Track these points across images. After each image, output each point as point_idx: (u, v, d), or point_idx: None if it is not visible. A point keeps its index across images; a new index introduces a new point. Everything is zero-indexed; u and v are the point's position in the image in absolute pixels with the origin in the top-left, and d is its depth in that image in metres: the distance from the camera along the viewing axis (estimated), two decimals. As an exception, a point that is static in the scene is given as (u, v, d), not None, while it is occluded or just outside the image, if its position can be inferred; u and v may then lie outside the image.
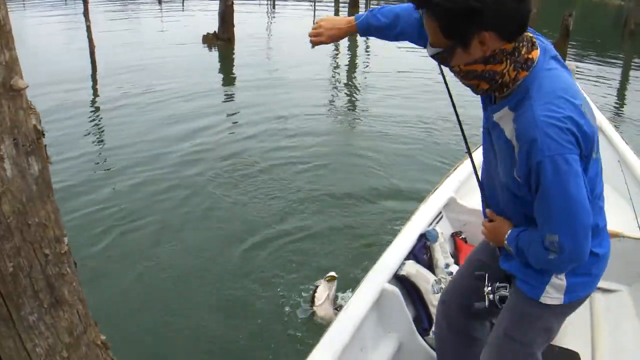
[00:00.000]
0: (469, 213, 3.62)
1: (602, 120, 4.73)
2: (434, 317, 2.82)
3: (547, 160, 1.58)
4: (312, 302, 3.80)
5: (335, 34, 2.34)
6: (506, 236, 1.89)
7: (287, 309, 4.00)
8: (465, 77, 1.75)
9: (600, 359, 3.01)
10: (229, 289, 4.29)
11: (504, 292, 2.06)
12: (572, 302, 1.92)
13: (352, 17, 2.31)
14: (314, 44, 2.40)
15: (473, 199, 3.71)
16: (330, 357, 2.34)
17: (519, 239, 1.84)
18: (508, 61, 1.67)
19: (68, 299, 1.43)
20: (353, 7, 21.65)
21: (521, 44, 1.67)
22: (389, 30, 2.24)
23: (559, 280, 1.86)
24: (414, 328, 2.89)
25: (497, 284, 2.07)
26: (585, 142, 1.62)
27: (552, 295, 1.89)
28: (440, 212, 3.60)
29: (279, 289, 4.23)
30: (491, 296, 2.07)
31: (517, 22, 1.63)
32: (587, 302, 3.40)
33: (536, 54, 1.69)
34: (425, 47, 1.86)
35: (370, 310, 2.72)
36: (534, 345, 2.03)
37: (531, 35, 1.73)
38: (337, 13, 23.13)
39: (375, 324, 2.84)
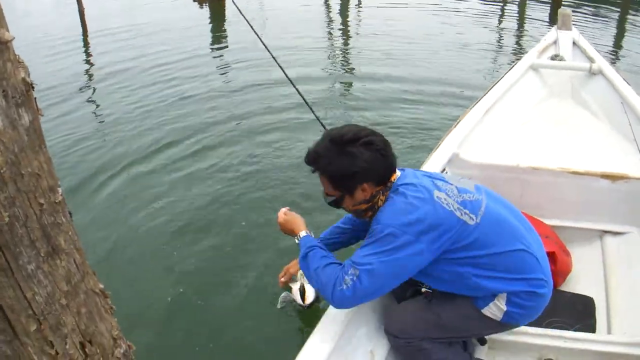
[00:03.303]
0: (473, 167, 3.62)
1: (602, 64, 4.76)
2: None
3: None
4: (303, 300, 3.37)
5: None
6: (301, 236, 2.43)
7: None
8: (355, 214, 2.37)
9: (614, 302, 3.05)
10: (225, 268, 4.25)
11: None
12: (507, 323, 2.35)
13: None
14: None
15: (477, 153, 3.71)
16: (334, 330, 2.39)
17: (313, 250, 2.33)
18: (381, 195, 2.25)
19: (64, 248, 1.46)
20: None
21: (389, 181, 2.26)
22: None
23: (501, 305, 2.27)
24: None
25: None
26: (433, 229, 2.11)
27: (493, 311, 2.30)
28: (445, 169, 3.59)
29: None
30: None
31: (385, 173, 2.23)
32: (598, 247, 3.51)
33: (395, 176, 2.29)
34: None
35: None
36: (448, 330, 2.43)
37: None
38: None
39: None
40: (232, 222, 4.65)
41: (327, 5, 14.84)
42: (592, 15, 13.22)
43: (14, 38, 1.23)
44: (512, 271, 2.22)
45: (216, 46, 10.44)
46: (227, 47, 10.37)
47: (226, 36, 11.60)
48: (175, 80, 8.24)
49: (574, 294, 3.10)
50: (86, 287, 1.58)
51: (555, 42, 5.20)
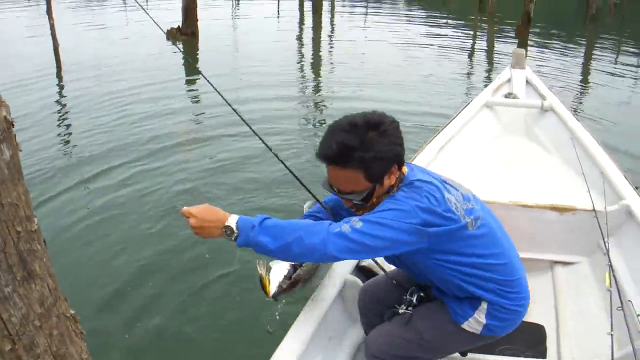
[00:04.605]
0: None
1: (553, 101, 4.98)
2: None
3: None
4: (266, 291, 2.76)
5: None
6: (234, 219, 1.96)
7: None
8: (376, 204, 2.12)
9: (564, 330, 3.16)
10: (196, 279, 4.40)
11: (421, 295, 2.46)
12: (486, 335, 2.35)
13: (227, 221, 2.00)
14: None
15: None
16: (298, 347, 2.41)
17: (269, 218, 1.99)
18: (395, 187, 2.14)
19: (39, 273, 1.57)
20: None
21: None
22: None
23: (480, 319, 2.28)
24: None
25: (418, 293, 2.46)
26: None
27: (472, 325, 2.31)
28: None
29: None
30: (413, 298, 2.46)
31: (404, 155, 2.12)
32: (549, 277, 3.58)
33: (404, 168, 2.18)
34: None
35: (335, 301, 2.79)
36: (431, 349, 2.43)
37: None
38: (302, 4, 23.15)
39: (340, 314, 2.92)
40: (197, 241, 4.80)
41: (300, 39, 15.25)
42: (557, 56, 13.70)
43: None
44: (496, 282, 2.25)
45: (187, 84, 10.58)
46: (196, 88, 10.51)
47: (198, 73, 11.67)
48: (144, 110, 8.52)
49: (525, 322, 3.17)
50: (58, 311, 1.69)
51: (509, 81, 5.42)
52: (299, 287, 2.62)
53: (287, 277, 2.54)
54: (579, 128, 4.52)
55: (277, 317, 3.56)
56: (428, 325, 2.38)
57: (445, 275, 2.20)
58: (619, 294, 2.30)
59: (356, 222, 1.95)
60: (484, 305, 2.26)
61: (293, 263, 2.53)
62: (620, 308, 2.20)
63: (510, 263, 2.28)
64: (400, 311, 2.43)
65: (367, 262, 3.12)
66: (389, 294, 2.59)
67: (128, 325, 3.88)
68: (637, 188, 3.74)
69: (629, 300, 2.70)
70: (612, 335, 2.13)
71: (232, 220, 1.94)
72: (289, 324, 2.53)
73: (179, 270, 4.49)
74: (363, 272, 3.14)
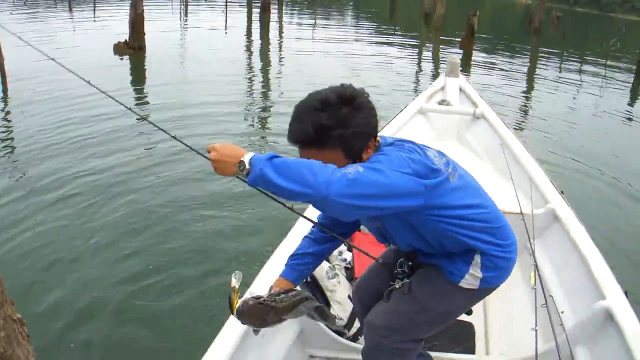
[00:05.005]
0: None
1: (484, 108, 5.21)
2: (330, 301, 3.15)
3: None
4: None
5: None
6: (249, 156, 1.81)
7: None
8: None
9: (492, 327, 3.32)
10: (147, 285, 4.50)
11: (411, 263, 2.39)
12: (484, 288, 2.31)
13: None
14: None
15: None
16: (231, 345, 2.48)
17: (280, 157, 1.80)
18: (375, 150, 2.06)
19: (-15, 277, 1.69)
20: (264, 13, 21.91)
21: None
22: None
23: (477, 274, 2.23)
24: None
25: (407, 263, 2.39)
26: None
27: (469, 281, 2.25)
28: None
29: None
30: (404, 268, 2.40)
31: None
32: None
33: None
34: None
35: None
36: (435, 316, 2.40)
37: None
38: (250, 17, 23.25)
39: None
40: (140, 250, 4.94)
41: (248, 51, 15.45)
42: (501, 67, 14.14)
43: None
44: (487, 231, 2.20)
45: (136, 96, 10.55)
46: (143, 95, 10.52)
47: (144, 87, 11.72)
48: (87, 120, 8.62)
49: (456, 320, 3.36)
50: (5, 313, 1.80)
51: (443, 88, 5.62)
52: (271, 322, 2.27)
53: (256, 297, 2.23)
54: (509, 135, 4.73)
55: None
56: (427, 293, 2.33)
57: (441, 229, 2.12)
58: (544, 292, 2.45)
59: (357, 166, 1.82)
60: (477, 259, 2.22)
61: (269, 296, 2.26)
62: (545, 305, 2.36)
63: (493, 211, 2.25)
64: (397, 286, 2.37)
65: None
66: (382, 280, 2.50)
67: (72, 331, 3.95)
68: (562, 192, 3.93)
69: (550, 296, 2.83)
70: (536, 331, 2.27)
71: (247, 157, 1.81)
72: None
73: (123, 276, 4.57)
74: None
